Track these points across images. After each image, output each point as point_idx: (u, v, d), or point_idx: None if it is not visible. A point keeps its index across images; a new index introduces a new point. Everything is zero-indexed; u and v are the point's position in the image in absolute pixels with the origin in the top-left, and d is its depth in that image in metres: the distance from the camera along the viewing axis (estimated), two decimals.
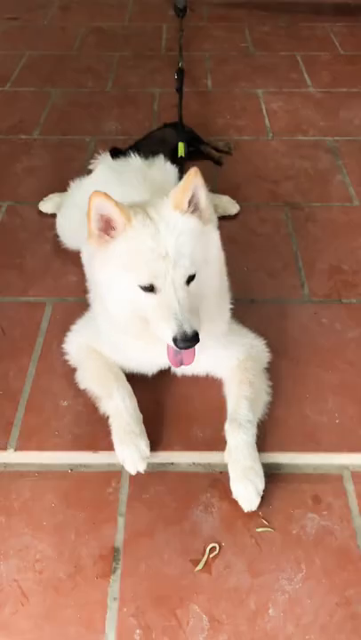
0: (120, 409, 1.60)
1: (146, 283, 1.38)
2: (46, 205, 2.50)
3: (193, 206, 1.46)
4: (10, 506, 1.53)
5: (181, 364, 1.48)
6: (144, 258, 1.37)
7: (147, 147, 2.65)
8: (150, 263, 1.37)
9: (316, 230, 2.41)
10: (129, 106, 3.36)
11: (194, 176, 1.41)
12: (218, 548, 1.44)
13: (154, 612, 1.33)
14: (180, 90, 3.00)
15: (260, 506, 1.50)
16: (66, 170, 2.79)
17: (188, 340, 1.35)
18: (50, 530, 1.48)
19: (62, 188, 2.56)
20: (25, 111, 3.30)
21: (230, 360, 1.69)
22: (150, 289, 1.39)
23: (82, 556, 1.43)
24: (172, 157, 2.53)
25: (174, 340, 1.37)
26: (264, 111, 3.29)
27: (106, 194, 1.39)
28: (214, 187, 2.66)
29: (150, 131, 2.82)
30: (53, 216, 2.43)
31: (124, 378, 1.68)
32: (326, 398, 1.75)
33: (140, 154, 2.55)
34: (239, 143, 2.99)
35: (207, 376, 1.75)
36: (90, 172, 2.70)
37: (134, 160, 2.21)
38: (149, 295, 1.40)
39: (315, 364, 1.85)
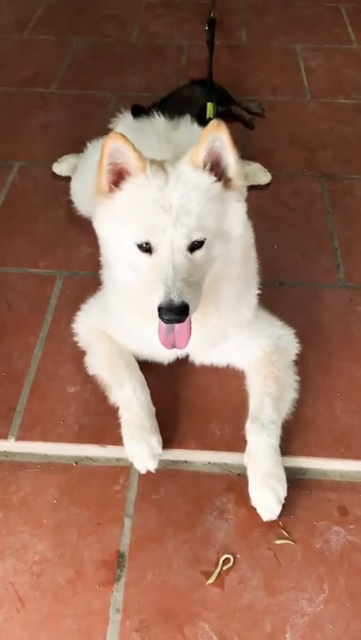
0: (131, 401, 1.45)
1: (141, 239, 1.22)
2: (60, 167, 2.32)
3: (214, 166, 1.27)
4: (9, 499, 1.42)
5: (174, 346, 1.30)
6: (146, 209, 1.21)
7: (172, 106, 2.43)
8: (150, 216, 1.20)
9: (355, 206, 2.19)
10: (155, 59, 3.09)
11: (214, 128, 1.22)
12: (232, 560, 1.32)
13: (159, 627, 1.22)
14: (210, 42, 2.72)
15: (281, 515, 1.36)
16: (83, 128, 2.59)
17: (173, 311, 1.17)
18: (50, 528, 1.37)
19: (78, 148, 2.36)
20: (42, 62, 3.06)
21: (255, 351, 1.53)
22: (148, 250, 1.23)
23: (84, 559, 1.32)
24: (200, 119, 2.31)
25: (159, 310, 1.19)
26: (302, 69, 3.00)
27: (123, 135, 1.23)
28: (244, 152, 2.44)
29: (177, 88, 2.58)
30: (67, 179, 2.25)
31: (137, 366, 1.54)
32: (359, 398, 1.58)
33: (164, 113, 2.34)
34: (273, 104, 2.74)
35: (228, 367, 1.59)
36: (109, 131, 2.50)
37: (158, 120, 2.00)
38: (145, 256, 1.23)
39: (348, 358, 1.68)
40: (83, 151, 2.27)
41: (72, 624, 1.23)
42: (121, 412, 1.47)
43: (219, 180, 1.29)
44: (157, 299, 1.19)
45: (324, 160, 2.41)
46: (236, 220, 1.31)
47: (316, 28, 3.35)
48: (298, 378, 1.57)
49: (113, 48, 3.19)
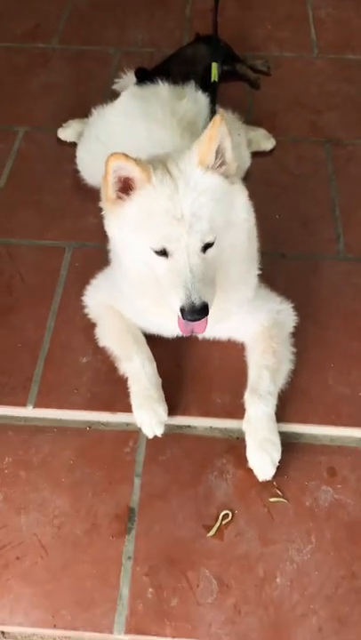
0: (139, 373, 1.57)
1: (158, 246, 1.29)
2: (65, 132, 2.32)
3: (219, 159, 1.32)
4: (29, 460, 1.57)
5: (192, 332, 1.41)
6: (158, 220, 1.27)
7: (176, 66, 2.40)
8: (164, 226, 1.26)
9: (359, 172, 2.21)
10: (158, 9, 2.99)
11: (220, 125, 1.26)
12: (230, 515, 1.48)
13: (166, 572, 1.40)
14: None
15: (275, 475, 1.51)
16: (87, 88, 2.57)
17: (195, 312, 1.27)
18: (68, 486, 1.53)
19: (82, 111, 2.36)
20: (43, 12, 2.97)
21: (254, 326, 1.63)
22: (163, 253, 1.30)
23: (98, 514, 1.48)
24: (205, 79, 2.29)
25: (182, 311, 1.29)
26: (311, 20, 2.91)
27: (124, 154, 1.26)
28: (249, 115, 2.43)
29: (181, 46, 2.52)
30: (72, 145, 2.26)
31: (144, 340, 1.64)
32: (351, 369, 1.69)
33: (168, 76, 2.32)
34: (280, 60, 2.68)
35: (229, 340, 1.70)
36: (113, 92, 2.49)
37: (162, 88, 2.01)
38: (162, 259, 1.31)
39: (343, 331, 1.78)
40: (87, 115, 2.27)
41: (90, 569, 1.40)
42: (130, 383, 1.59)
43: (220, 166, 1.33)
44: (179, 301, 1.28)
45: (329, 123, 2.40)
46: (240, 208, 1.38)
47: None
48: (294, 350, 1.67)
49: None
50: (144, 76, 2.29)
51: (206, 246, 1.29)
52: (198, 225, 1.26)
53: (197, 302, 1.25)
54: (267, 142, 2.27)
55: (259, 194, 2.13)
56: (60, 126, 2.34)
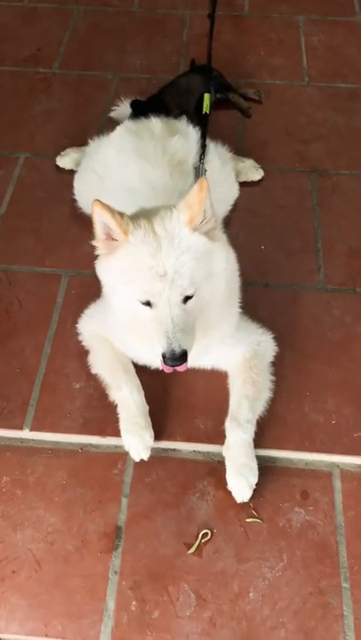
0: (128, 402, 1.69)
1: (141, 299, 1.41)
2: (64, 160, 2.43)
3: (204, 218, 1.42)
4: (25, 480, 1.70)
5: (173, 370, 1.53)
6: (141, 275, 1.37)
7: (171, 97, 2.52)
8: (147, 281, 1.37)
9: (342, 204, 2.33)
10: (156, 33, 3.10)
11: (203, 189, 1.36)
12: (210, 534, 1.60)
13: (149, 587, 1.53)
14: (212, 17, 2.73)
15: (252, 497, 1.63)
16: (85, 114, 2.68)
17: (175, 359, 1.40)
18: (61, 505, 1.65)
19: (81, 137, 2.49)
20: (44, 36, 3.08)
21: (236, 357, 1.75)
22: (147, 303, 1.41)
23: (88, 531, 1.61)
24: (198, 108, 2.40)
25: (163, 357, 1.41)
26: (303, 47, 3.01)
27: (104, 205, 1.37)
28: (240, 143, 2.55)
29: (176, 77, 2.63)
30: (71, 172, 2.38)
31: (133, 370, 1.76)
32: (326, 397, 1.81)
33: (163, 107, 2.43)
34: (271, 88, 2.79)
35: (212, 369, 1.82)
36: (110, 120, 2.60)
37: (155, 124, 2.11)
38: (147, 308, 1.42)
39: (320, 360, 1.90)
40: (85, 143, 2.38)
41: (79, 583, 1.53)
42: (119, 410, 1.72)
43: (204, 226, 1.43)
44: (160, 348, 1.40)
45: (316, 153, 2.51)
46: (220, 260, 1.48)
47: None
48: (273, 378, 1.79)
49: (114, 19, 3.17)
50: (139, 108, 2.41)
51: (187, 298, 1.41)
52: (180, 281, 1.37)
53: (177, 350, 1.38)
54: (255, 173, 2.38)
55: (246, 224, 2.28)
56: (59, 154, 2.45)
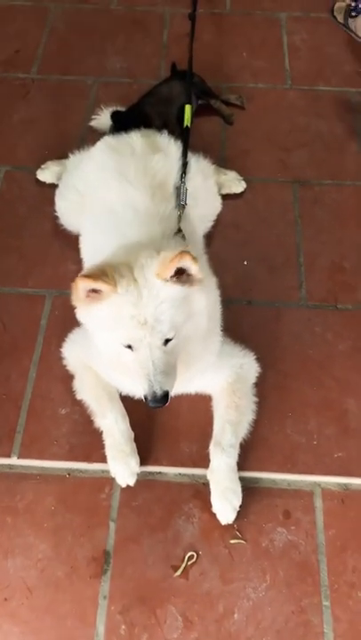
0: (113, 429, 1.72)
1: (123, 343, 1.43)
2: (44, 174, 2.41)
3: (185, 275, 1.43)
4: (15, 507, 1.73)
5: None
6: (123, 323, 1.40)
7: (151, 106, 2.50)
8: (129, 329, 1.40)
9: (323, 216, 2.33)
10: (136, 32, 3.03)
11: (179, 259, 1.37)
12: (195, 557, 1.66)
13: (137, 610, 1.58)
14: (192, 18, 2.68)
15: (236, 518, 1.68)
16: (65, 123, 2.65)
17: (157, 401, 1.43)
18: (50, 531, 1.69)
19: (61, 148, 2.46)
20: (22, 36, 3.00)
21: (219, 382, 1.77)
22: (129, 346, 1.44)
23: (77, 557, 1.66)
24: (180, 118, 2.37)
25: (145, 398, 1.45)
26: (285, 46, 2.97)
27: (91, 276, 1.37)
28: (222, 153, 2.53)
29: (157, 84, 2.59)
30: (52, 186, 2.35)
31: (118, 397, 1.79)
32: (308, 418, 1.85)
33: (144, 117, 2.40)
34: (253, 93, 2.76)
35: (196, 393, 1.85)
36: (90, 129, 2.57)
37: (135, 140, 2.09)
38: (128, 351, 1.45)
39: (301, 379, 1.93)
40: (66, 154, 2.36)
41: (70, 608, 1.58)
42: (104, 437, 1.75)
43: (182, 275, 1.43)
44: (142, 390, 1.43)
45: (298, 162, 2.50)
46: (199, 301, 1.49)
47: None
48: (256, 399, 1.83)
49: (93, 17, 3.10)
50: (120, 120, 2.38)
51: (167, 340, 1.43)
52: (160, 327, 1.39)
53: (159, 392, 1.41)
54: (238, 185, 2.37)
55: (228, 240, 2.29)
56: (39, 167, 2.42)
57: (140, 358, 1.41)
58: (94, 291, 1.40)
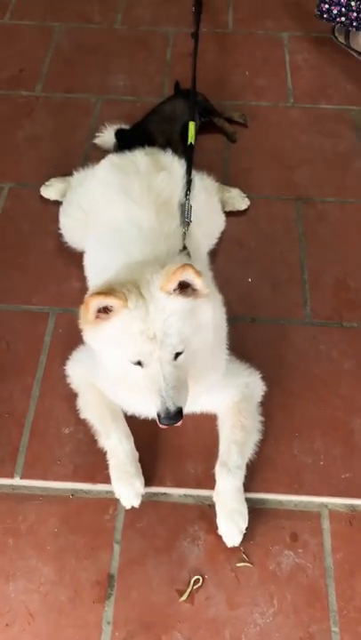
0: (117, 450, 1.70)
1: (133, 360, 1.42)
2: (48, 191, 2.41)
3: (190, 288, 1.43)
4: (17, 528, 1.70)
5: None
6: (133, 339, 1.39)
7: (155, 124, 2.51)
8: (138, 344, 1.39)
9: (327, 234, 2.33)
10: (139, 51, 3.06)
11: (181, 272, 1.37)
12: (201, 580, 1.62)
13: (142, 636, 1.54)
14: (195, 37, 2.70)
15: (243, 540, 1.65)
16: (69, 140, 2.66)
17: (171, 418, 1.41)
18: (53, 553, 1.66)
19: (65, 166, 2.48)
20: (26, 55, 3.03)
21: (225, 402, 1.76)
22: (138, 362, 1.43)
23: (81, 580, 1.62)
24: (183, 136, 2.39)
25: (158, 416, 1.43)
26: (287, 66, 2.99)
27: (104, 293, 1.37)
28: (226, 170, 2.54)
29: (160, 102, 2.61)
30: (56, 203, 2.35)
31: (122, 416, 1.77)
32: (314, 437, 1.83)
33: (148, 135, 2.41)
34: (256, 111, 2.78)
35: (202, 412, 1.83)
36: (94, 146, 2.58)
37: (140, 159, 2.10)
38: (138, 367, 1.44)
39: (307, 397, 1.91)
40: (70, 171, 2.37)
41: (73, 635, 1.55)
42: (109, 457, 1.72)
43: (187, 288, 1.43)
44: (155, 407, 1.41)
45: (301, 180, 2.51)
46: (206, 313, 1.49)
47: (304, 10, 3.22)
48: (262, 419, 1.81)
49: (97, 37, 3.13)
50: (123, 138, 2.39)
51: (177, 354, 1.42)
52: (169, 340, 1.38)
53: (172, 408, 1.39)
54: (241, 203, 2.38)
55: (232, 257, 2.28)
56: (44, 184, 2.43)
57: (151, 374, 1.40)
58: (104, 310, 1.39)
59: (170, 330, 1.38)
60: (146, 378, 1.42)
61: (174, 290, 1.39)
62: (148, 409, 1.67)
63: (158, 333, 1.37)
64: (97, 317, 1.41)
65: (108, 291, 1.37)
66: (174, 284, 1.38)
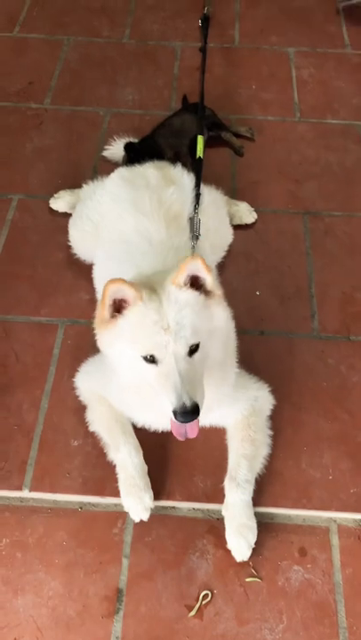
0: (126, 463, 1.70)
1: (147, 354, 1.42)
2: (57, 203, 2.43)
3: (195, 281, 1.45)
4: (25, 541, 1.70)
5: (185, 437, 1.55)
6: (148, 331, 1.40)
7: (164, 138, 2.53)
8: (153, 335, 1.40)
9: (334, 247, 2.35)
10: (147, 65, 3.09)
11: (190, 262, 1.41)
12: (210, 595, 1.62)
13: None
14: (203, 51, 2.73)
15: (251, 555, 1.65)
16: (78, 152, 2.68)
17: (187, 414, 1.38)
18: (61, 567, 1.66)
19: (74, 177, 2.50)
20: (36, 68, 3.06)
21: (234, 416, 1.76)
22: (152, 360, 1.43)
23: (89, 595, 1.62)
24: (192, 149, 2.41)
25: (174, 413, 1.40)
26: (294, 80, 3.02)
27: (122, 280, 1.40)
28: (233, 184, 2.56)
29: (169, 116, 2.64)
30: (65, 215, 2.37)
31: (132, 430, 1.77)
32: (323, 452, 1.83)
33: (156, 148, 2.44)
34: (263, 125, 2.80)
35: (210, 426, 1.83)
36: (103, 159, 2.60)
37: (150, 172, 2.12)
38: (152, 366, 1.43)
39: (315, 412, 1.92)
40: (79, 184, 2.39)
41: None
42: (118, 470, 1.72)
43: (199, 288, 1.46)
44: (170, 404, 1.39)
45: (308, 194, 2.53)
46: (219, 318, 1.51)
47: (310, 26, 3.28)
48: (271, 433, 1.81)
49: (105, 50, 3.17)
50: (133, 152, 2.41)
51: (192, 351, 1.42)
52: (182, 332, 1.39)
53: (188, 403, 1.37)
54: (249, 216, 2.39)
55: (240, 270, 2.30)
56: (52, 196, 2.44)
57: (165, 369, 1.40)
58: (118, 310, 1.41)
59: (183, 320, 1.40)
60: (160, 376, 1.41)
61: (185, 284, 1.42)
62: (159, 420, 1.68)
63: (172, 324, 1.39)
64: (112, 317, 1.43)
65: (128, 283, 1.40)
66: (185, 277, 1.41)
